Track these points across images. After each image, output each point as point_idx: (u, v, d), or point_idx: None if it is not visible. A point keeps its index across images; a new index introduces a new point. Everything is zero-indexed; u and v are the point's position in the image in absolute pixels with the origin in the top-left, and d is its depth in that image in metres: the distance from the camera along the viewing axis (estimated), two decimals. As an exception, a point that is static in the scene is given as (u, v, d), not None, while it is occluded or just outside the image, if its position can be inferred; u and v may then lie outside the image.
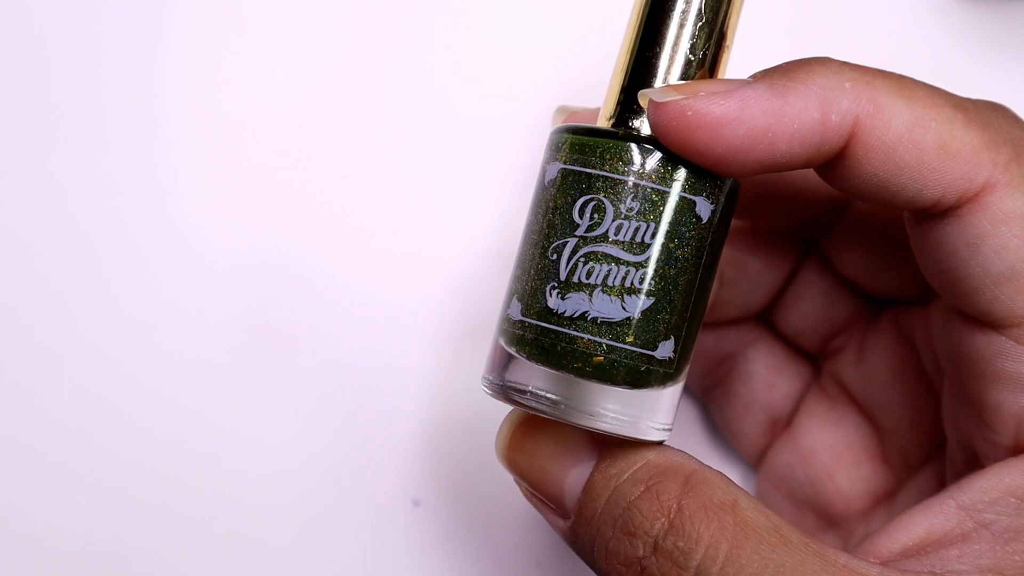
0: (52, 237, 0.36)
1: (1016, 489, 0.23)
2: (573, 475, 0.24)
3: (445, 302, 0.36)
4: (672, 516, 0.22)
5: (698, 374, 0.33)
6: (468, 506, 0.35)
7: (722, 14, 0.24)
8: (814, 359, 0.32)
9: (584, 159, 0.23)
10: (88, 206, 0.37)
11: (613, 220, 0.23)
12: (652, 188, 0.23)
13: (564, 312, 0.23)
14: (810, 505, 0.31)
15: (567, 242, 0.23)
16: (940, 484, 0.28)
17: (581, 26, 0.38)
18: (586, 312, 0.23)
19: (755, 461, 0.33)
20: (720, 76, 0.24)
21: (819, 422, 0.31)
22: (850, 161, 0.23)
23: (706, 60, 0.24)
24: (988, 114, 0.23)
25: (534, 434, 0.24)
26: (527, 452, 0.24)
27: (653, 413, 0.23)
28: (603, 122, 0.24)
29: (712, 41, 0.24)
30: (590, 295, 0.23)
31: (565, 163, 0.23)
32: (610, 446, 0.23)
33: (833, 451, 0.30)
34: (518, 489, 0.34)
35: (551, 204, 0.23)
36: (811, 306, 0.31)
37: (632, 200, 0.23)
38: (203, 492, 0.34)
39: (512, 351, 0.23)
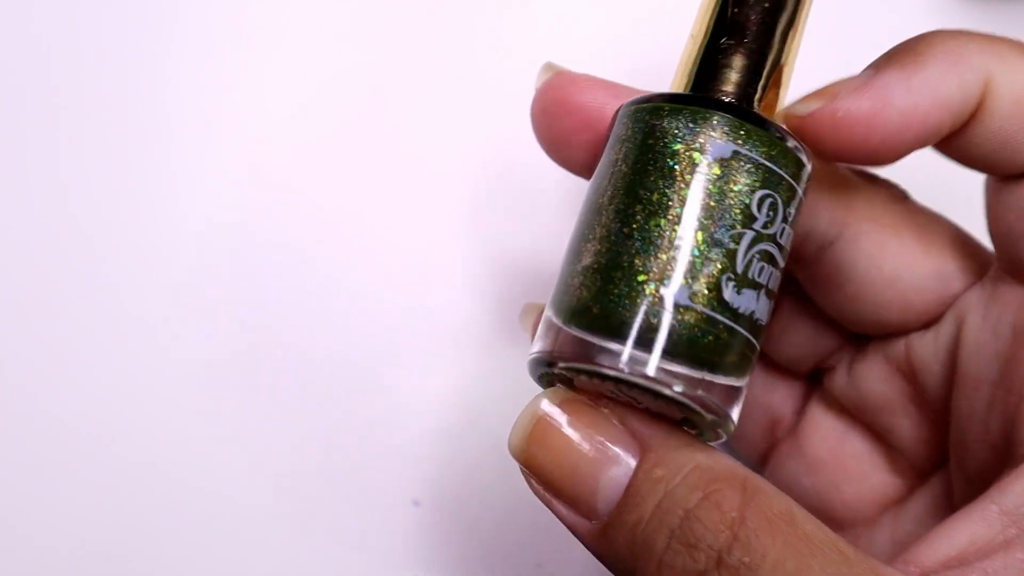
0: (53, 236, 0.36)
1: None
2: (608, 476, 0.22)
3: (446, 302, 0.36)
4: (736, 529, 0.20)
5: None
6: (468, 506, 0.35)
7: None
8: (809, 378, 0.32)
9: (767, 153, 0.22)
10: (88, 206, 0.37)
11: (781, 223, 0.22)
12: (802, 201, 0.23)
13: (738, 308, 0.21)
14: (815, 511, 0.30)
15: (745, 234, 0.22)
16: (947, 491, 0.27)
17: (595, 26, 0.38)
18: (752, 312, 0.22)
19: (757, 462, 0.33)
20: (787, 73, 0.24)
21: (824, 433, 0.30)
22: (980, 118, 0.23)
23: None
24: None
25: (559, 429, 0.22)
26: (552, 447, 0.22)
27: (734, 408, 0.22)
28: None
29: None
30: (758, 295, 0.22)
31: (743, 147, 0.22)
32: (653, 445, 0.22)
33: (839, 463, 0.30)
34: (518, 490, 0.34)
35: (718, 187, 0.22)
36: (800, 335, 0.30)
37: (794, 208, 0.22)
38: (202, 492, 0.34)
39: (644, 331, 0.21)
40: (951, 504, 0.27)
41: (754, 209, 0.22)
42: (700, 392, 0.21)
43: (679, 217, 0.21)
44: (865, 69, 0.23)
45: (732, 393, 0.22)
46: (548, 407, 0.22)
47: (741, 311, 0.22)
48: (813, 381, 0.31)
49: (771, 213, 0.22)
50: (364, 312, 0.36)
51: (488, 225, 0.37)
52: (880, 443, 0.29)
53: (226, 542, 0.34)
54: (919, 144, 0.23)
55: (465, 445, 0.35)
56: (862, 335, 0.29)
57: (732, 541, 0.20)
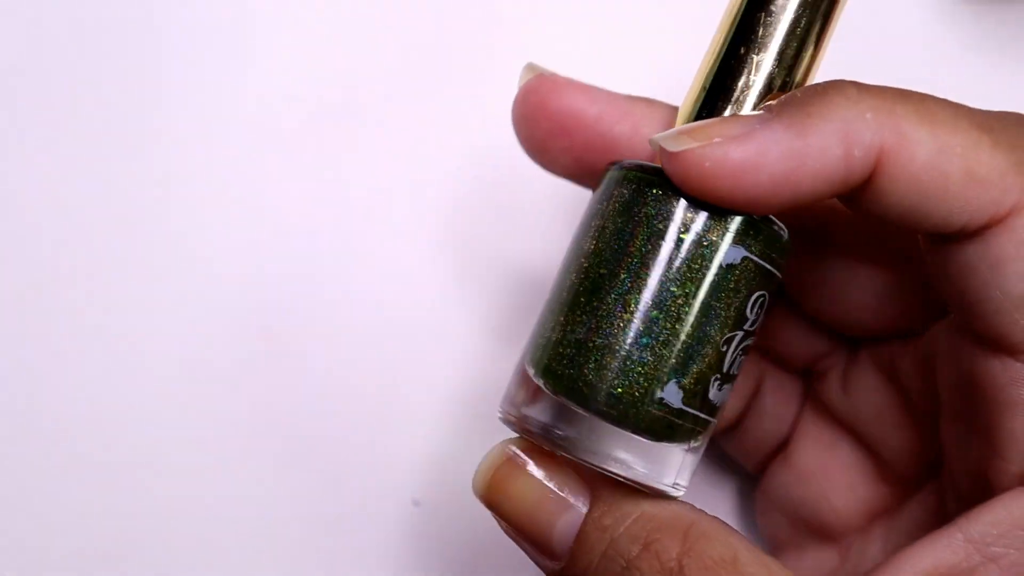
0: (53, 237, 0.36)
1: None
2: (563, 521, 0.23)
3: (446, 303, 0.36)
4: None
5: None
6: (468, 506, 0.34)
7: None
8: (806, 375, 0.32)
9: (772, 258, 0.22)
10: (89, 207, 0.37)
11: (762, 314, 0.23)
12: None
13: (716, 403, 0.22)
14: (807, 523, 0.30)
15: (736, 335, 0.22)
16: (941, 502, 0.27)
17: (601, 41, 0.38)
18: (724, 402, 0.23)
19: (755, 470, 0.33)
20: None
21: (812, 444, 0.30)
22: (875, 192, 0.22)
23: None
24: (1014, 132, 0.23)
25: (517, 475, 0.23)
26: (510, 495, 0.23)
27: (674, 470, 0.23)
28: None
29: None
30: (732, 386, 0.23)
31: (755, 255, 0.22)
32: (601, 492, 0.23)
33: (827, 473, 0.30)
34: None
35: (732, 293, 0.22)
36: (791, 334, 0.30)
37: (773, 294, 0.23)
38: (202, 492, 0.34)
39: (621, 426, 0.22)
40: (944, 516, 0.27)
41: (747, 310, 0.22)
42: (652, 477, 0.22)
43: (681, 314, 0.22)
44: (754, 112, 0.22)
45: (688, 456, 0.23)
46: (508, 455, 0.24)
47: (718, 405, 0.22)
48: (807, 392, 0.31)
49: (759, 311, 0.22)
50: (364, 313, 0.36)
51: (489, 227, 0.37)
52: (870, 453, 0.29)
53: (226, 542, 0.34)
54: (791, 207, 0.22)
55: (465, 445, 0.35)
56: (854, 340, 0.29)
57: None
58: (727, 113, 0.23)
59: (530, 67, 0.28)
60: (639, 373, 0.21)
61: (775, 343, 0.31)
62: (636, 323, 0.21)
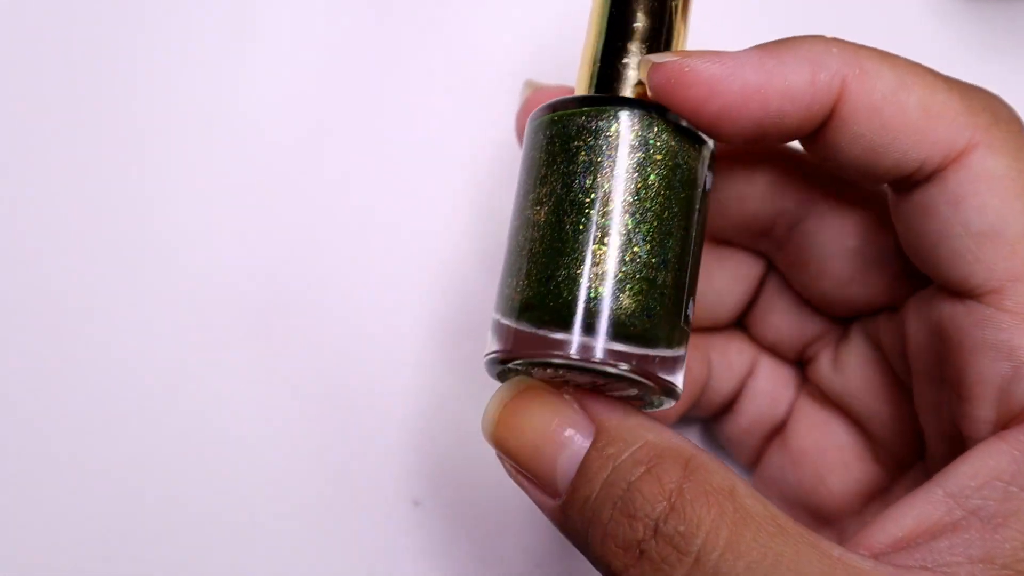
0: (50, 234, 0.36)
1: (1002, 472, 0.22)
2: (566, 455, 0.23)
3: (446, 302, 0.36)
4: (673, 500, 0.21)
5: (688, 384, 0.33)
6: (468, 506, 0.35)
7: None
8: (800, 364, 0.32)
9: (670, 143, 0.24)
10: (86, 207, 0.37)
11: (697, 191, 0.24)
12: (710, 166, 0.25)
13: (665, 285, 0.23)
14: (803, 505, 0.30)
15: (665, 214, 0.23)
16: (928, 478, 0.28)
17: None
18: (682, 286, 0.24)
19: (749, 466, 0.33)
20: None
21: (808, 426, 0.31)
22: (838, 123, 0.24)
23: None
24: (966, 86, 0.24)
25: (524, 411, 0.24)
26: (516, 430, 0.24)
27: (677, 376, 0.24)
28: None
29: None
30: (681, 267, 0.24)
31: (652, 139, 0.24)
32: (607, 426, 0.23)
33: (822, 454, 0.30)
34: (517, 491, 0.34)
35: (639, 177, 0.23)
36: (781, 319, 0.31)
37: (704, 176, 0.25)
38: (202, 492, 0.34)
39: (587, 319, 0.23)
40: None
41: (671, 188, 0.23)
42: (643, 367, 0.23)
43: (608, 212, 0.23)
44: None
45: (673, 363, 0.23)
46: (513, 393, 0.24)
47: (667, 287, 0.23)
48: (801, 380, 0.32)
49: (685, 188, 0.23)
50: (365, 312, 0.36)
51: (490, 227, 0.37)
52: (862, 433, 0.30)
53: (226, 542, 0.34)
54: (759, 127, 0.24)
55: (465, 445, 0.35)
56: (844, 320, 0.30)
57: (668, 511, 0.21)
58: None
59: (529, 83, 0.30)
60: (581, 275, 0.23)
61: (768, 331, 0.31)
62: (570, 233, 0.23)
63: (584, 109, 0.23)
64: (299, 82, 0.38)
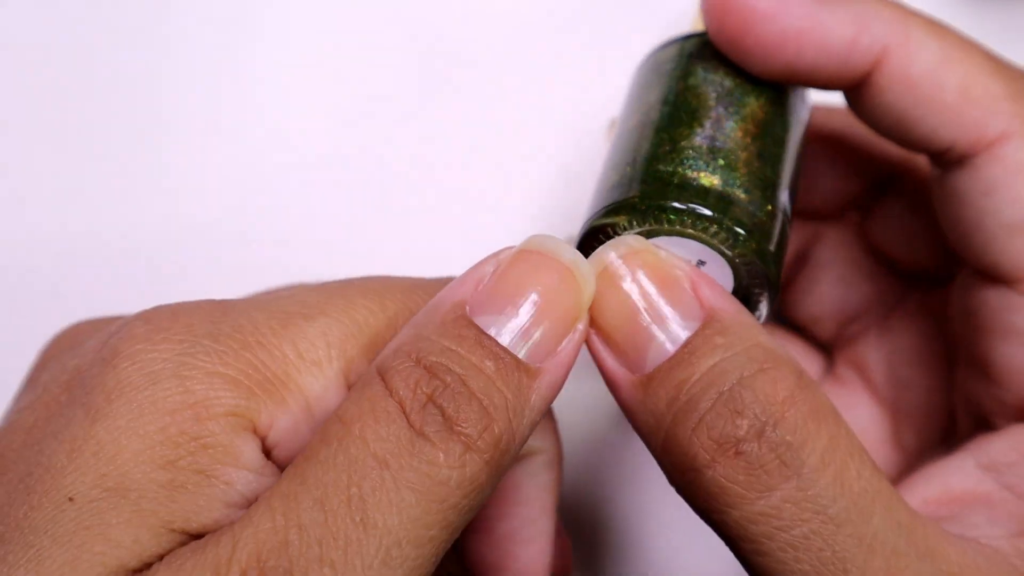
0: (52, 229, 0.36)
1: None
2: (667, 331, 0.21)
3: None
4: (787, 408, 0.19)
5: None
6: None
7: None
8: (825, 349, 0.32)
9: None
10: (85, 206, 0.36)
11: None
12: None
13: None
14: None
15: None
16: None
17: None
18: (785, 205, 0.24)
19: None
20: None
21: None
22: (874, 88, 0.23)
23: None
24: (1015, 71, 0.24)
25: (631, 276, 0.21)
26: (616, 293, 0.21)
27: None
28: None
29: None
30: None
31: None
32: (719, 315, 0.21)
33: None
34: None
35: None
36: (828, 290, 0.30)
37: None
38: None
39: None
40: None
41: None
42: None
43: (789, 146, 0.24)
44: None
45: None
46: (626, 250, 0.21)
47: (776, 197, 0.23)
48: (824, 366, 0.32)
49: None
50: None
51: (492, 227, 0.37)
52: (887, 417, 0.29)
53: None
54: (791, 71, 0.23)
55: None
56: (914, 277, 0.30)
57: (780, 418, 0.19)
58: None
59: (615, 121, 0.29)
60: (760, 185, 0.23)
61: (811, 305, 0.31)
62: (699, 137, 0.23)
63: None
64: (302, 89, 0.39)
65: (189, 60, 0.39)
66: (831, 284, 0.30)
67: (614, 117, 0.30)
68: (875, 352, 0.30)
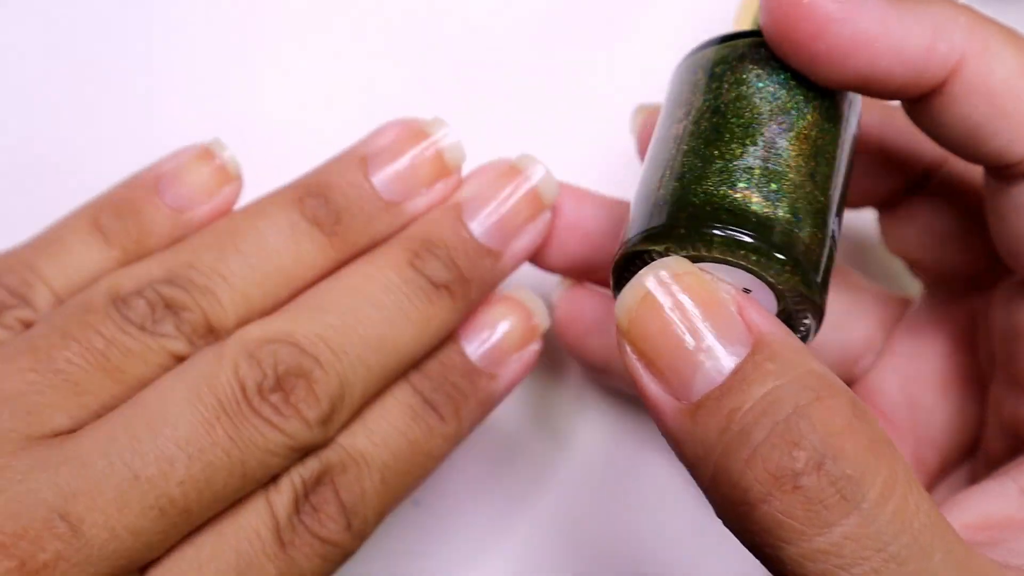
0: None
1: None
2: (710, 366, 0.20)
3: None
4: (845, 440, 0.19)
5: None
6: (468, 506, 0.34)
7: None
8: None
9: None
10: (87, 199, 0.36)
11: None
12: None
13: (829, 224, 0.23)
14: None
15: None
16: (973, 482, 0.27)
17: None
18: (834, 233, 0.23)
19: None
20: None
21: None
22: (947, 98, 0.22)
23: None
24: None
25: (676, 299, 0.21)
26: (660, 313, 0.20)
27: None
28: None
29: None
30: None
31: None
32: (769, 340, 0.20)
33: None
34: (517, 490, 0.34)
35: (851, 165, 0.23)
36: (829, 332, 0.29)
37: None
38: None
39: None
40: None
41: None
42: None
43: (838, 165, 0.23)
44: None
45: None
46: (669, 274, 0.21)
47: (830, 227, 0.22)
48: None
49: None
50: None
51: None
52: (907, 435, 0.29)
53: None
54: (862, 79, 0.22)
55: (465, 445, 0.35)
56: (939, 283, 0.29)
57: (839, 450, 0.19)
58: None
59: (641, 108, 0.29)
60: (813, 209, 0.22)
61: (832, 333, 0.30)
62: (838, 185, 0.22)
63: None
64: (307, 86, 0.38)
65: (189, 59, 0.38)
66: (833, 328, 0.29)
67: (641, 104, 0.29)
68: (886, 382, 0.29)
